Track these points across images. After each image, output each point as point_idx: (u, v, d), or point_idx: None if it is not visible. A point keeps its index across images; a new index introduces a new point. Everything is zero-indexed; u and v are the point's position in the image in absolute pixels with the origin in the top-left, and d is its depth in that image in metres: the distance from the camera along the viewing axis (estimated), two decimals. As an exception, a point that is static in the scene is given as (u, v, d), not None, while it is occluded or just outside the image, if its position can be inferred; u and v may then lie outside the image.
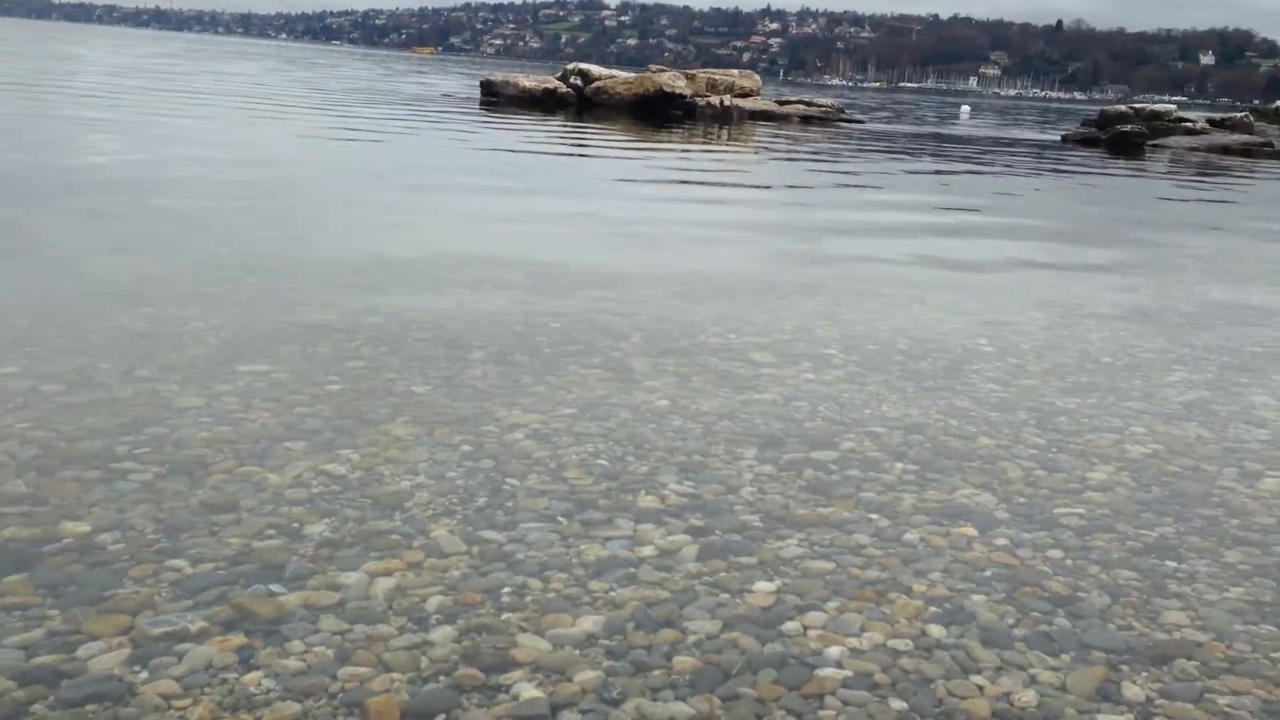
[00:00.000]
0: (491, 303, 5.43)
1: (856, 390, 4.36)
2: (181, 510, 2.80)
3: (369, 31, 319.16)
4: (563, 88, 28.49)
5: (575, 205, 9.76)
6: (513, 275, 6.19)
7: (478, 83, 30.86)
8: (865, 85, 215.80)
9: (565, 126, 22.17)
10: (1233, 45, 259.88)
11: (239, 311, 4.88)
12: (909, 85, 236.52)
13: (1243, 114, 40.44)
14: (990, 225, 10.37)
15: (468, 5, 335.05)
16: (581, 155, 15.98)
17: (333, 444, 3.33)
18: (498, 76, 30.13)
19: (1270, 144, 25.89)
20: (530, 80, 28.89)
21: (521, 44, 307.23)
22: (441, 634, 2.28)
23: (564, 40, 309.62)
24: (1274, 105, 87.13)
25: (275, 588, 2.43)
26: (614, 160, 15.01)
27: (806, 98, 35.35)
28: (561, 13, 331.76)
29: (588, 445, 3.50)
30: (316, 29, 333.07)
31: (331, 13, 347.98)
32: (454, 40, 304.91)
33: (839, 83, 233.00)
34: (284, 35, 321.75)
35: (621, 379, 4.30)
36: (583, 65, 29.65)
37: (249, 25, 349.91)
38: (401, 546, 2.67)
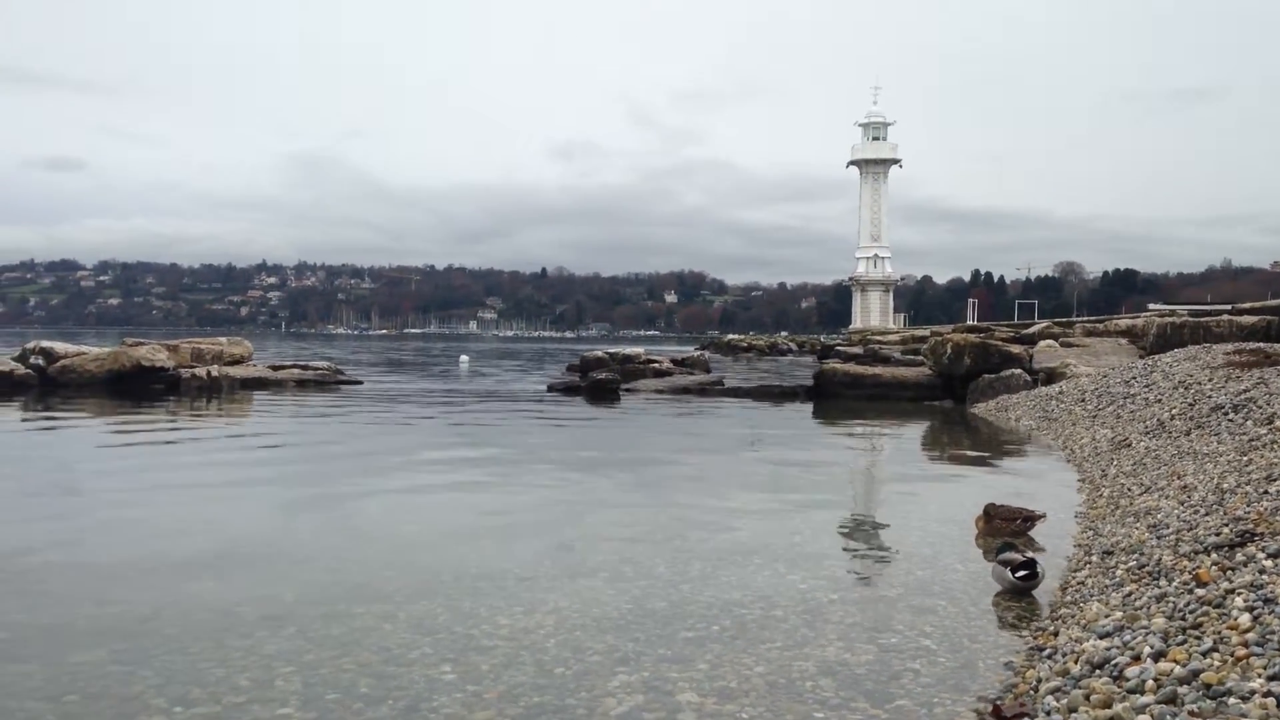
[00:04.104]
0: None
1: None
2: None
3: None
4: (21, 369, 25.79)
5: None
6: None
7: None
8: (371, 334, 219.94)
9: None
10: (690, 285, 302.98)
11: None
12: (414, 331, 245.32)
13: (698, 351, 46.63)
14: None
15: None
16: None
17: None
18: (-62, 362, 26.59)
19: (720, 382, 29.95)
20: (-20, 363, 25.85)
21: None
22: None
23: (33, 304, 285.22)
24: (726, 338, 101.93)
25: None
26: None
27: (304, 360, 35.11)
28: (29, 275, 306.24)
29: None
30: None
31: None
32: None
33: (344, 332, 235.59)
34: None
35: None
36: (45, 343, 27.19)
37: None
38: None
